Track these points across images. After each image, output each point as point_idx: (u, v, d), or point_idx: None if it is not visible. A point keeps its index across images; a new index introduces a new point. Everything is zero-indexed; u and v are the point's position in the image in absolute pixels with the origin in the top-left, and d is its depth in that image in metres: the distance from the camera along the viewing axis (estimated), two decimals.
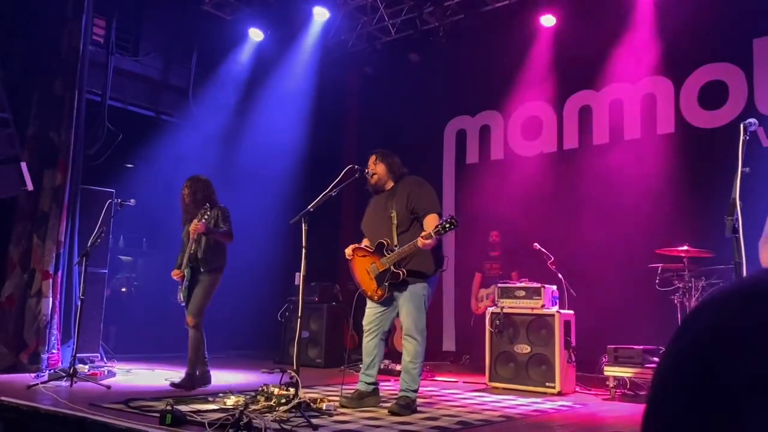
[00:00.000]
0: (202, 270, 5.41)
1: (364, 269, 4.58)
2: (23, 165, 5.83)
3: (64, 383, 5.18)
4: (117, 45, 8.04)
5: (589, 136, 7.71)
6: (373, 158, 4.73)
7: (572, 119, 7.88)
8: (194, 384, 5.27)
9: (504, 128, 8.46)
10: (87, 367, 5.87)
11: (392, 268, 4.39)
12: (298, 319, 4.45)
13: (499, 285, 6.20)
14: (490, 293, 7.26)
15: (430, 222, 4.37)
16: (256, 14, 8.52)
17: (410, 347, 4.44)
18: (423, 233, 4.14)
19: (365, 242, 4.75)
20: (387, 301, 4.55)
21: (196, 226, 5.28)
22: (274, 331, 7.94)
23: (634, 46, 7.33)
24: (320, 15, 8.41)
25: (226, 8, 8.70)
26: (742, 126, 2.76)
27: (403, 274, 4.35)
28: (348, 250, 4.69)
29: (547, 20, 7.92)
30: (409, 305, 4.43)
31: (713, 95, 6.85)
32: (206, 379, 5.42)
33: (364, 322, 4.63)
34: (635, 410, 4.85)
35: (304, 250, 4.43)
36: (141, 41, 8.45)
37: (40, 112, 6.45)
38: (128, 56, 8.33)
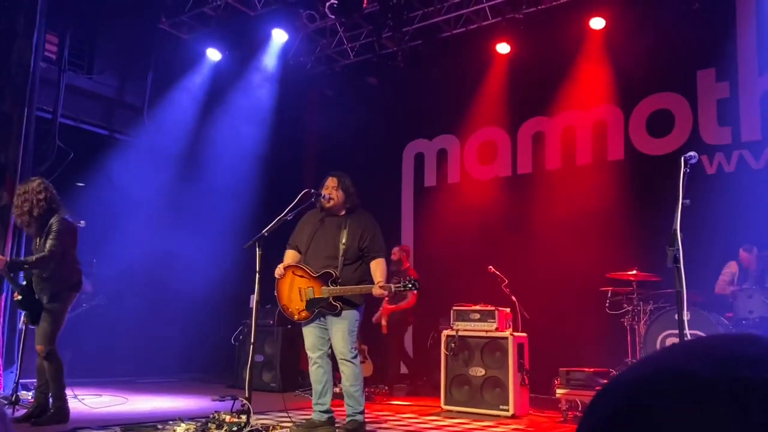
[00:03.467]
0: (44, 300, 4.67)
1: (296, 288, 4.55)
2: None
3: (6, 411, 4.95)
4: (70, 62, 7.88)
5: (543, 161, 7.88)
6: (334, 182, 4.68)
7: (526, 144, 8.05)
8: (63, 417, 4.62)
9: (461, 152, 8.58)
10: (30, 393, 5.64)
11: (331, 299, 4.43)
12: (251, 345, 4.36)
13: (455, 308, 6.22)
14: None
15: (381, 267, 4.51)
16: (214, 35, 8.48)
17: (348, 371, 4.45)
18: (381, 284, 4.26)
19: (289, 256, 4.70)
20: (322, 324, 4.54)
21: None
22: (228, 354, 7.81)
23: (586, 75, 7.56)
24: (279, 37, 8.42)
25: (182, 27, 8.64)
26: (682, 159, 2.87)
27: (340, 307, 4.42)
28: (279, 270, 4.60)
29: (503, 48, 8.10)
30: (344, 331, 4.46)
31: (660, 123, 7.11)
32: (63, 416, 4.65)
33: (307, 349, 4.61)
34: None
35: (257, 275, 4.37)
36: (95, 59, 8.31)
37: None
38: (81, 74, 8.18)
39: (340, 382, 6.30)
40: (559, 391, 5.57)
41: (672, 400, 0.41)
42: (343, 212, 4.69)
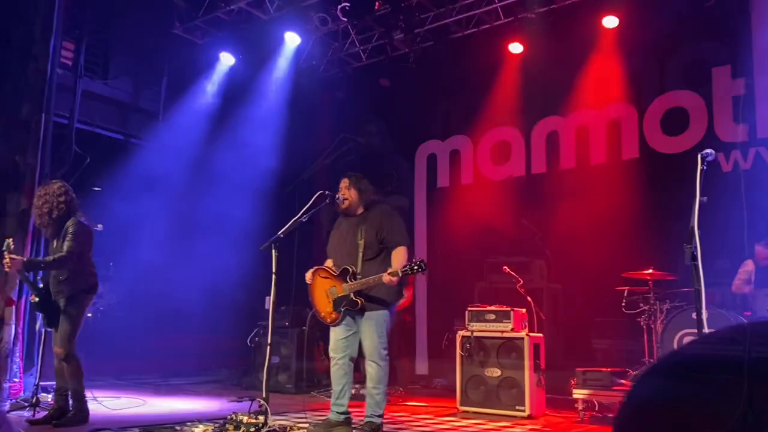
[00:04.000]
0: (61, 303, 4.75)
1: (323, 290, 4.61)
2: None
3: (27, 413, 5.03)
4: (86, 68, 7.96)
5: (557, 161, 7.84)
6: (346, 182, 4.75)
7: (540, 144, 8.02)
8: (83, 418, 4.73)
9: (473, 153, 8.57)
10: (50, 396, 5.72)
11: (352, 295, 4.42)
12: (268, 346, 4.37)
13: (470, 308, 6.21)
14: None
15: (399, 256, 4.46)
16: (228, 39, 8.54)
17: (373, 372, 4.44)
18: (390, 270, 4.23)
19: (328, 263, 4.75)
20: (350, 326, 4.54)
21: (7, 261, 4.49)
22: (244, 356, 7.80)
23: (599, 74, 7.50)
24: (292, 40, 8.46)
25: (196, 32, 8.71)
26: (699, 156, 2.86)
27: (362, 302, 4.42)
28: (308, 274, 4.69)
29: (515, 48, 8.08)
30: (371, 331, 4.45)
31: (675, 122, 7.05)
32: (83, 417, 4.75)
33: (330, 349, 4.59)
34: None
35: (274, 277, 4.37)
36: (110, 64, 8.40)
37: (5, 135, 6.34)
38: (97, 79, 8.28)
39: (358, 384, 6.29)
40: (576, 391, 5.56)
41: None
42: (360, 211, 4.72)
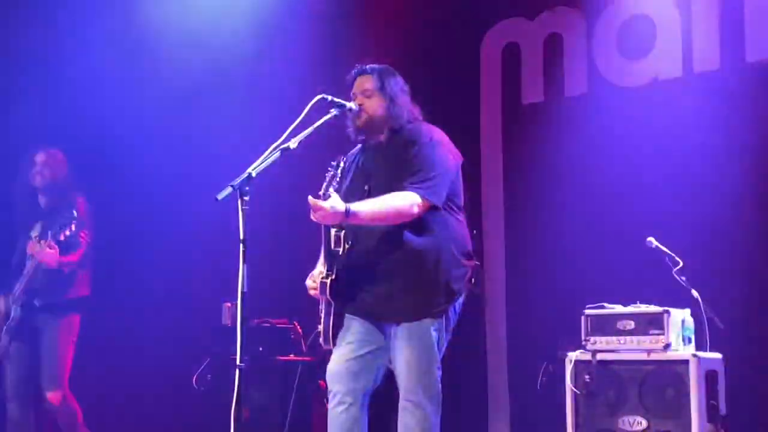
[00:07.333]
0: None
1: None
2: None
3: None
4: None
5: (738, 49, 6.09)
6: (366, 81, 3.85)
7: (709, 22, 6.22)
8: None
9: (588, 40, 6.75)
10: None
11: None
12: (237, 368, 3.28)
13: (588, 311, 5.07)
14: None
15: (396, 198, 3.56)
16: None
17: (413, 422, 3.69)
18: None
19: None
20: (367, 338, 3.80)
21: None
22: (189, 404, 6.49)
23: None
24: None
25: None
26: None
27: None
28: (310, 281, 3.91)
29: None
30: (412, 349, 3.74)
31: None
32: None
33: (329, 379, 3.89)
34: None
35: (242, 248, 3.28)
36: None
37: None
38: None
39: None
40: None
41: None
42: (383, 135, 3.82)
